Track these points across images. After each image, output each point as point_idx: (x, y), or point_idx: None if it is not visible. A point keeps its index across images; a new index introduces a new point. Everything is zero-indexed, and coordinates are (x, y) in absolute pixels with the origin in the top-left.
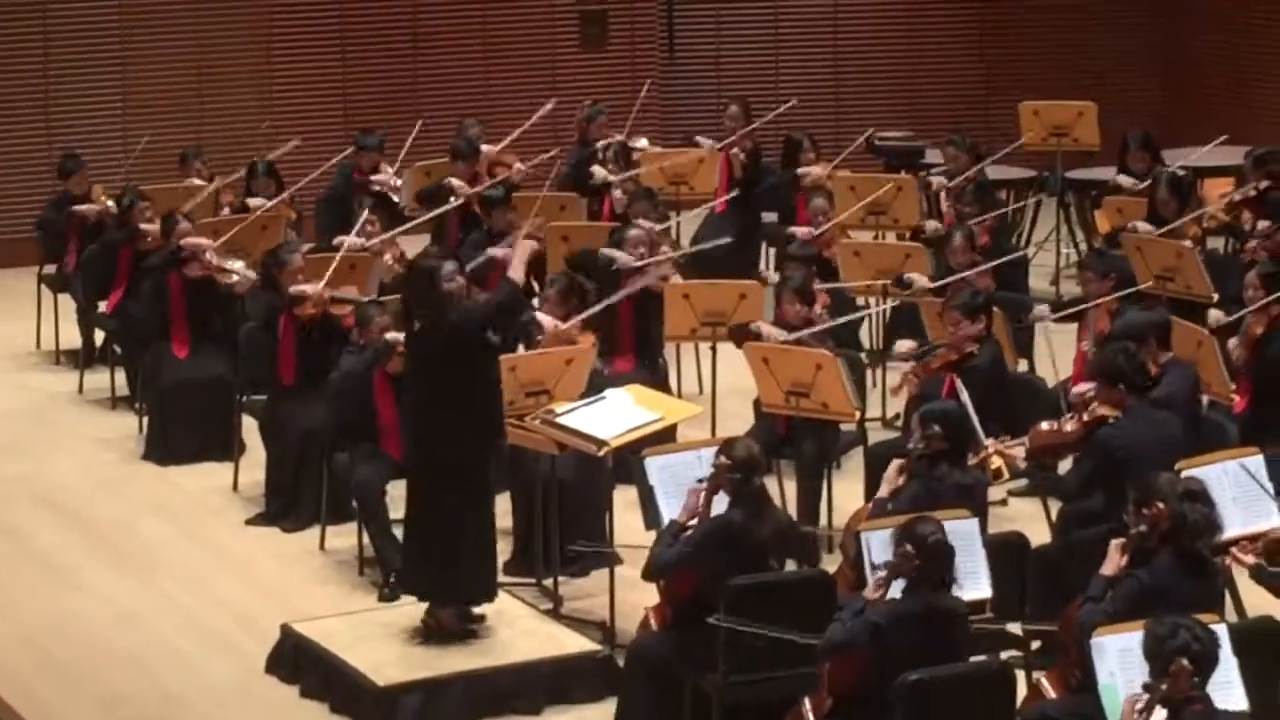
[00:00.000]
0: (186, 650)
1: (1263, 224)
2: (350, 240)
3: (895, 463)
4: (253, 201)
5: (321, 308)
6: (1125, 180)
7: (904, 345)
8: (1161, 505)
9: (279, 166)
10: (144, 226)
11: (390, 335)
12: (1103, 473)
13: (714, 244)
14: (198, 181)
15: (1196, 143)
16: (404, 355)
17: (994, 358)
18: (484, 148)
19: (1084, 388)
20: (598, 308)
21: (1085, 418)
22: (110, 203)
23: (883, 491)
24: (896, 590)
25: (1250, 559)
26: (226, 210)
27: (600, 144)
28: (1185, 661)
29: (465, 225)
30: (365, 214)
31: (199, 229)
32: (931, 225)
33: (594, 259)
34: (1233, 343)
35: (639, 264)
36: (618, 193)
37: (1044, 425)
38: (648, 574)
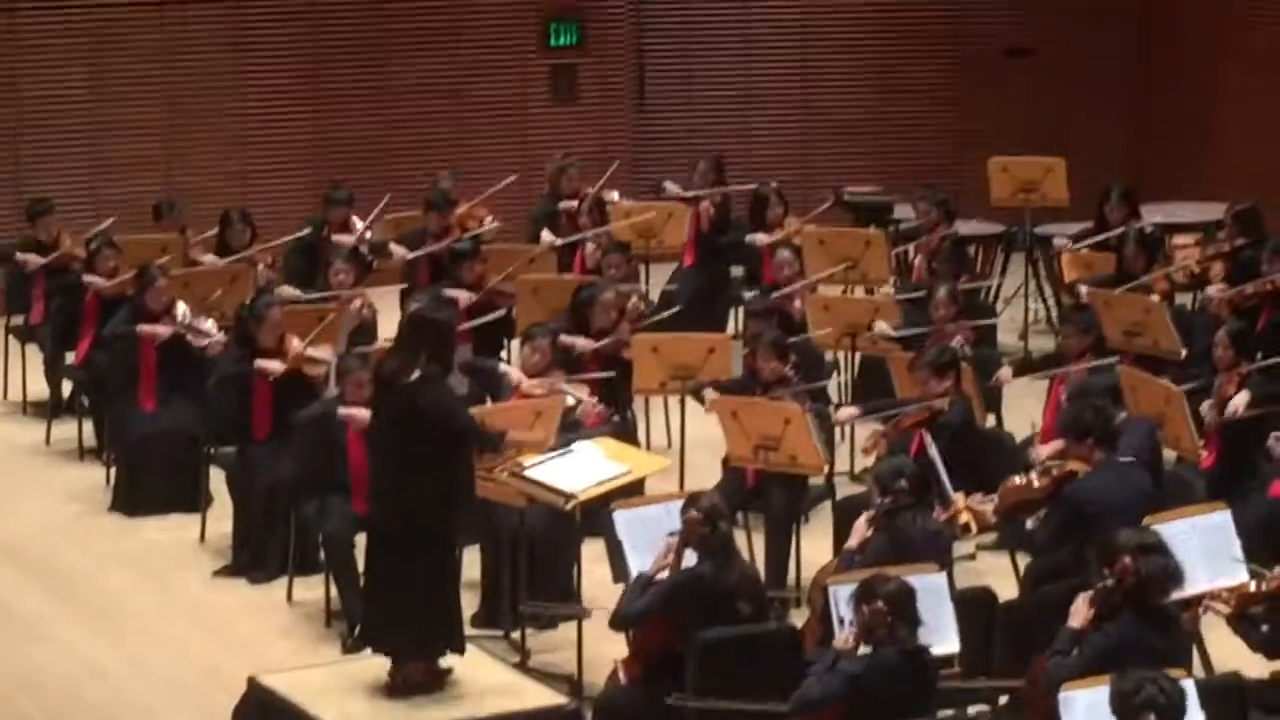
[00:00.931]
0: (152, 702)
1: (1217, 286)
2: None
3: (865, 515)
4: (208, 258)
5: (297, 366)
6: (1059, 240)
7: (845, 412)
8: (1127, 560)
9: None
10: (87, 278)
11: (351, 411)
12: (1071, 527)
13: (663, 315)
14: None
15: (1166, 198)
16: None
17: (964, 415)
18: None
19: (1047, 450)
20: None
21: (1055, 472)
22: (71, 244)
23: (851, 543)
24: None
25: (1224, 609)
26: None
27: (563, 204)
28: (1153, 716)
29: (434, 275)
30: (335, 265)
31: (171, 281)
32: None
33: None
34: (1205, 405)
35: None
36: (590, 246)
37: (1014, 481)
38: (615, 623)
